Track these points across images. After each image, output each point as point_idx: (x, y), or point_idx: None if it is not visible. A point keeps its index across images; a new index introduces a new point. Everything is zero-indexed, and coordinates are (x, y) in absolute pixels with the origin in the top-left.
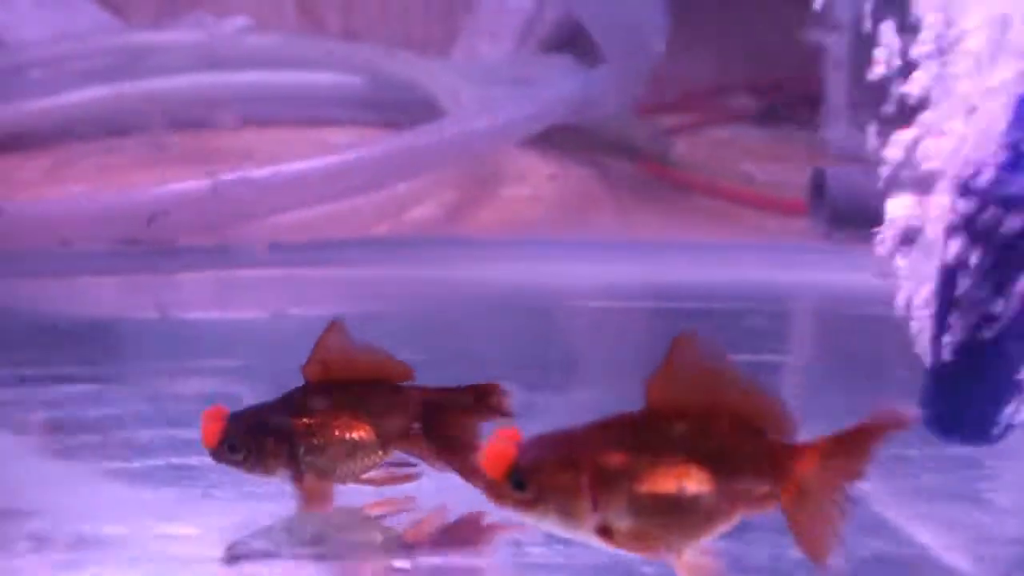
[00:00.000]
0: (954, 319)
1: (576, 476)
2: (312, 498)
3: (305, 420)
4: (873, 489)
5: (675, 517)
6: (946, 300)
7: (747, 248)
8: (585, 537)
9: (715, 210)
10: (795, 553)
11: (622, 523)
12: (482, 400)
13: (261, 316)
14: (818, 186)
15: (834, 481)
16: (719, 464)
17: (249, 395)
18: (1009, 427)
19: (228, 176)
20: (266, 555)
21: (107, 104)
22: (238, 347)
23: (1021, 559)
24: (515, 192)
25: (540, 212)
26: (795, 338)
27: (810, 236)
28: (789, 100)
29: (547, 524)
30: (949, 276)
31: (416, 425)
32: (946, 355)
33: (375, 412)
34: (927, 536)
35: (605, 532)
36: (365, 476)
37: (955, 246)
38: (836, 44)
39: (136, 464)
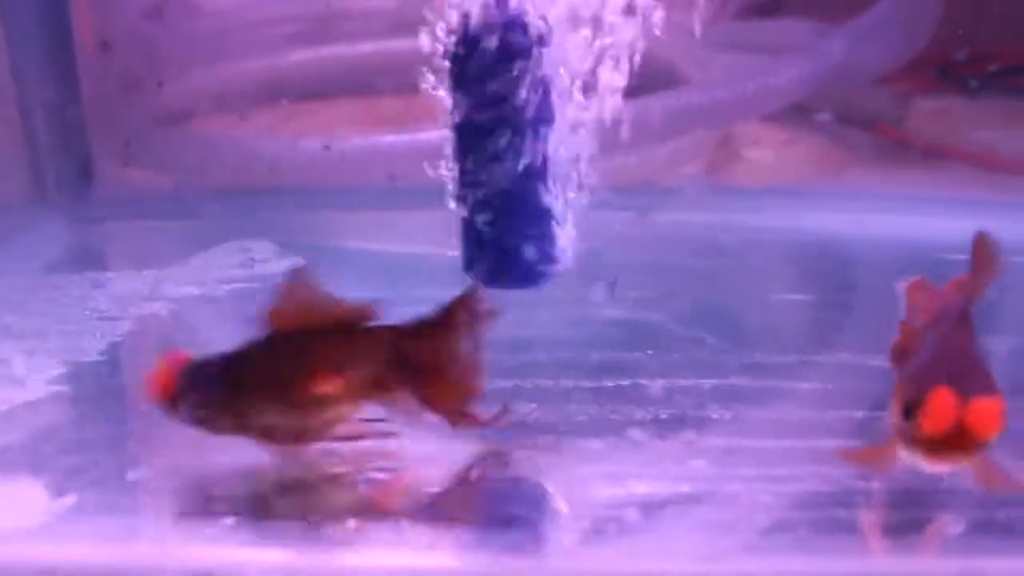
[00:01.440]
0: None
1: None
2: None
3: (265, 373)
4: None
5: None
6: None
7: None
8: None
9: (966, 175)
10: None
11: None
12: (461, 314)
13: None
14: None
15: None
16: None
17: None
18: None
19: None
20: None
21: (312, 67)
22: None
23: None
24: (759, 155)
25: (792, 172)
26: None
27: None
28: (1002, 71)
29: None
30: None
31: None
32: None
33: (344, 360)
34: None
35: None
36: (339, 433)
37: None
38: None
39: None
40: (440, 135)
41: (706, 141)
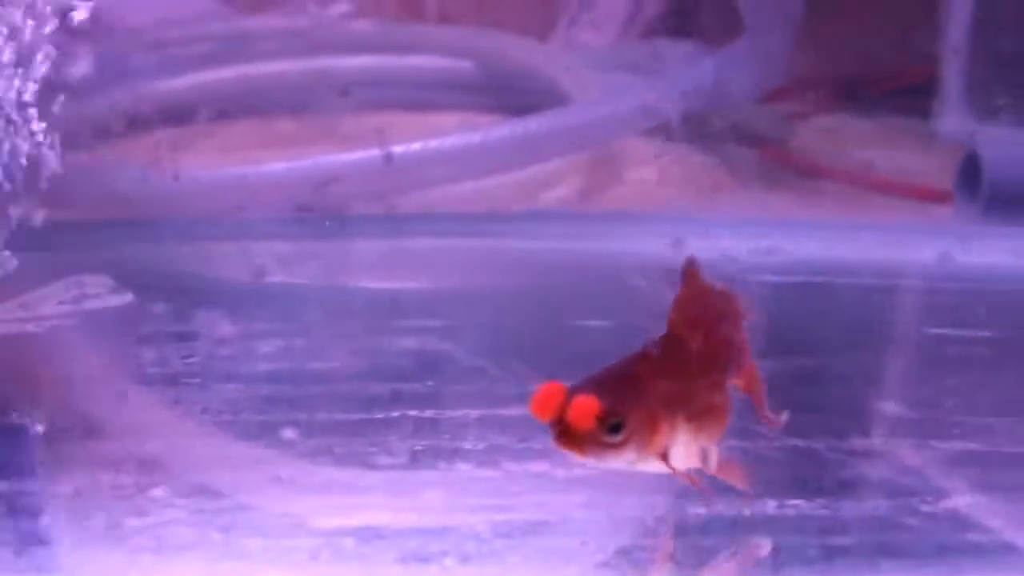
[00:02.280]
0: None
1: (654, 412)
2: None
3: None
4: None
5: (713, 426)
6: None
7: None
8: (647, 466)
9: (840, 195)
10: None
11: (679, 443)
12: None
13: (423, 286)
14: (967, 170)
15: None
16: (722, 370)
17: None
18: None
19: (400, 147)
20: None
21: (215, 88)
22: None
23: None
24: (640, 175)
25: (668, 194)
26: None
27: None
28: (892, 90)
29: (621, 462)
30: None
31: None
32: None
33: None
34: None
35: (665, 456)
36: None
37: None
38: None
39: None
40: (287, 166)
41: (579, 162)
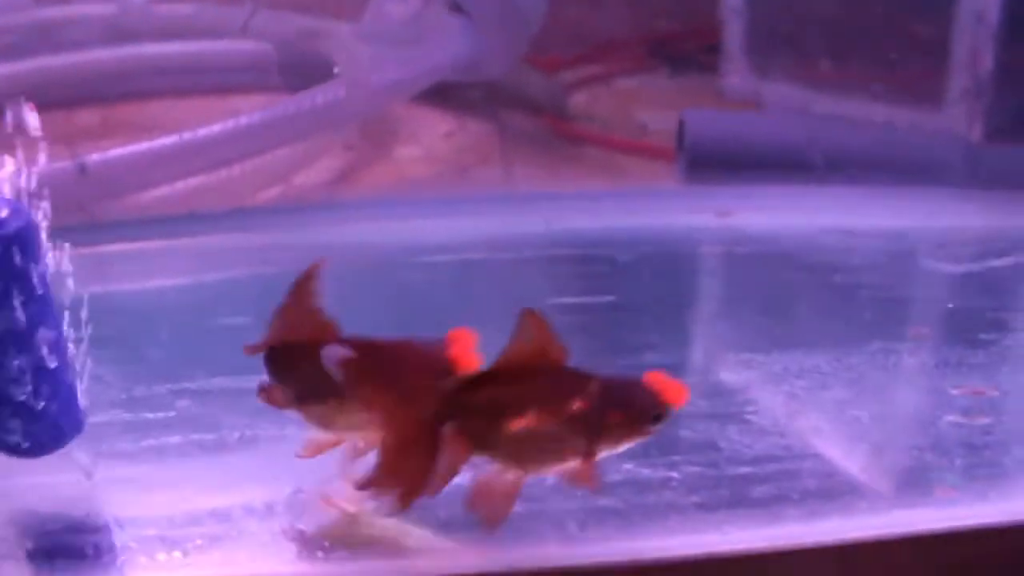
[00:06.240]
0: None
1: None
2: None
3: None
4: None
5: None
6: None
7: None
8: None
9: (604, 161)
10: None
11: None
12: None
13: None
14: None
15: None
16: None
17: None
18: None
19: (94, 156)
20: None
21: (16, 81)
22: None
23: None
24: (407, 152)
25: (429, 171)
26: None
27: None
28: (694, 48)
29: None
30: None
31: None
32: None
33: None
34: None
35: None
36: None
37: None
38: None
39: None
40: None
41: (339, 141)
